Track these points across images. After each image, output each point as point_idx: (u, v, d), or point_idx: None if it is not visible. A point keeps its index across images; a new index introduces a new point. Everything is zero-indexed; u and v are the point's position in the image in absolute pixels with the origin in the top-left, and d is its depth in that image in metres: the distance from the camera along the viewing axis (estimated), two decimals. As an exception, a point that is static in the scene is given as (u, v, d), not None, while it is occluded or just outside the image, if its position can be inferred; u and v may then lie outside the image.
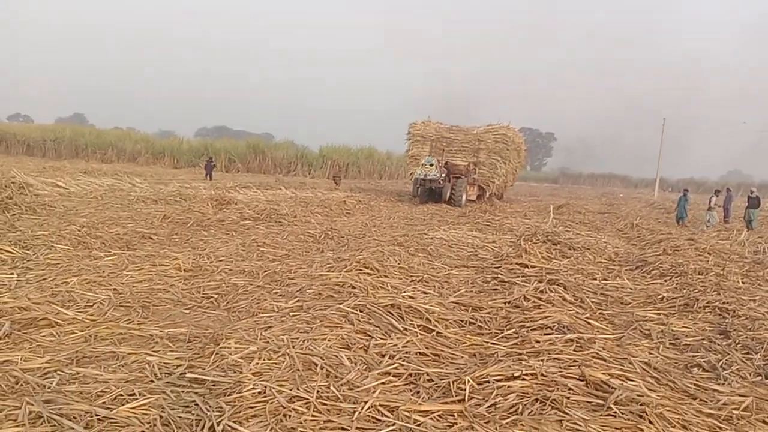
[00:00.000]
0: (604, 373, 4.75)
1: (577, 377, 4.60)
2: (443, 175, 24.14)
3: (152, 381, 4.16)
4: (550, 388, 4.33)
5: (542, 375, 4.51)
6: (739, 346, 6.42)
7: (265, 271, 8.43)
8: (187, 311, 6.41)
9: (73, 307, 6.06)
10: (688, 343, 6.47)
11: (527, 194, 44.43)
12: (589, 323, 6.71)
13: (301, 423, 3.61)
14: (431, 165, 24.09)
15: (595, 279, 9.47)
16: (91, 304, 6.27)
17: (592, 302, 7.79)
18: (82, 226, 10.65)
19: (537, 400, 4.16)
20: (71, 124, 60.24)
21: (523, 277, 8.74)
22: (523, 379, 4.45)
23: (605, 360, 5.25)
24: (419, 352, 5.24)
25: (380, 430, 3.67)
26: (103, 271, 7.58)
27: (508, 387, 4.31)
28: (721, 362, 5.79)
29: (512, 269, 9.40)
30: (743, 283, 10.01)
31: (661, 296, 8.51)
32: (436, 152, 26.75)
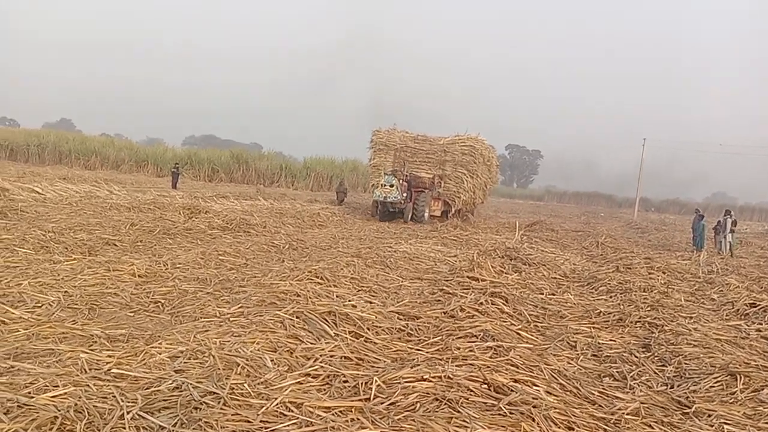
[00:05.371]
0: (509, 378, 5.11)
1: (481, 381, 4.95)
2: (404, 195, 22.64)
3: (78, 374, 4.45)
4: (452, 390, 4.68)
5: (448, 378, 4.86)
6: (656, 358, 6.81)
7: (219, 279, 8.75)
8: (132, 314, 6.70)
9: (22, 307, 6.35)
10: (609, 354, 6.85)
11: (508, 211, 45.04)
12: (519, 334, 7.08)
13: (208, 415, 3.92)
14: (391, 186, 22.27)
15: (542, 293, 9.85)
16: (40, 305, 6.55)
17: (530, 315, 8.16)
18: (48, 231, 10.91)
19: (436, 399, 4.50)
20: (57, 129, 60.19)
21: (469, 289, 9.10)
22: (429, 381, 4.79)
23: (517, 367, 5.61)
24: (344, 356, 5.56)
25: (282, 423, 3.99)
26: (59, 275, 7.86)
27: (413, 388, 4.65)
28: (632, 373, 6.18)
29: (462, 282, 9.75)
30: (686, 301, 10.45)
31: (598, 311, 8.91)
32: (399, 162, 25.29)
